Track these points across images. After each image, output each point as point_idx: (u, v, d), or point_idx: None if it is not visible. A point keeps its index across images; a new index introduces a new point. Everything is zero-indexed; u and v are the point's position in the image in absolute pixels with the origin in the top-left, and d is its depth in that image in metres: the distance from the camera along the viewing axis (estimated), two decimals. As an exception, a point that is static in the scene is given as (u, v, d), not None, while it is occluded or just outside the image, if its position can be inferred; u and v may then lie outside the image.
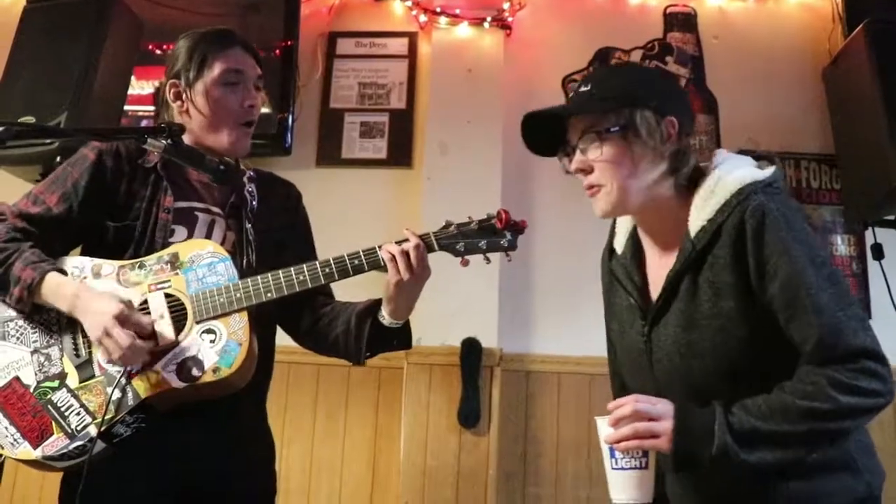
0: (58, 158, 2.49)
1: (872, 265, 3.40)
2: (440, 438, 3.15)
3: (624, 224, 1.70)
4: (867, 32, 3.02)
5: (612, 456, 1.41)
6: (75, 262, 1.79)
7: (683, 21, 3.84)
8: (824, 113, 3.49)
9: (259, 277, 1.74)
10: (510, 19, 3.69)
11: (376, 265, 1.75)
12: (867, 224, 3.24)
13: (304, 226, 2.12)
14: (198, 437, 1.77)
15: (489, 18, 3.65)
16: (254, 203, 1.94)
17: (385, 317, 1.82)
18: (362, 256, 1.74)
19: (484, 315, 3.28)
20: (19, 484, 3.31)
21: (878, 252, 3.15)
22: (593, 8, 3.85)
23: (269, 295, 1.72)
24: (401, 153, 3.66)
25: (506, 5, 3.69)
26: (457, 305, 3.27)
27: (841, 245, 3.53)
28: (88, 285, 1.72)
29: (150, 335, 1.68)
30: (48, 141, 2.47)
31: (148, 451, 1.71)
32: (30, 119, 2.46)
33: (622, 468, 1.39)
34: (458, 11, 3.67)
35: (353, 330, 1.85)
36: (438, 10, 3.69)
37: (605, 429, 1.41)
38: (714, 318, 1.44)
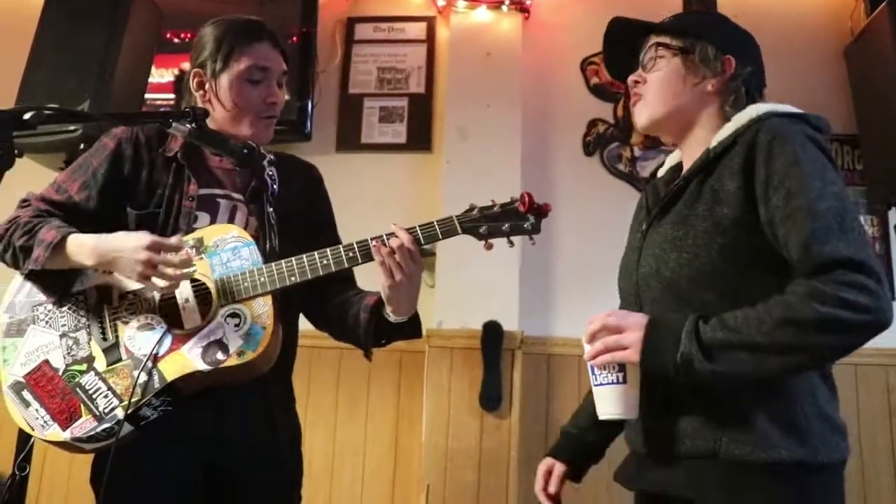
0: (81, 146, 2.51)
1: (896, 245, 3.39)
2: (462, 421, 3.17)
3: (672, 158, 1.76)
4: (890, 10, 2.99)
5: (593, 373, 1.43)
6: None
7: (703, 2, 3.80)
8: (846, 92, 3.46)
9: (283, 262, 1.74)
10: (528, 2, 3.68)
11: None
12: (890, 204, 3.22)
13: (326, 207, 2.11)
14: (225, 420, 1.77)
15: (507, 2, 3.65)
16: (274, 187, 1.93)
17: (391, 315, 1.80)
18: (386, 239, 1.72)
19: (505, 298, 3.29)
20: (48, 466, 3.36)
21: (902, 232, 3.13)
22: (612, -11, 3.83)
23: (293, 279, 1.73)
24: (420, 138, 3.67)
25: (524, -12, 3.68)
26: (478, 288, 3.29)
27: (864, 226, 3.50)
28: (106, 236, 1.69)
29: (179, 249, 1.67)
30: (72, 128, 2.49)
31: (176, 434, 1.72)
32: (55, 106, 2.47)
33: (601, 384, 1.42)
34: (476, -6, 3.67)
35: (362, 325, 1.85)
36: (456, -7, 3.68)
37: (585, 347, 1.45)
38: (704, 220, 1.44)
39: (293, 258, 1.75)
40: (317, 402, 3.37)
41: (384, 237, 1.71)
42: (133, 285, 1.76)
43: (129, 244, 1.65)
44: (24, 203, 1.84)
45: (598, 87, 3.73)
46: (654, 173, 1.82)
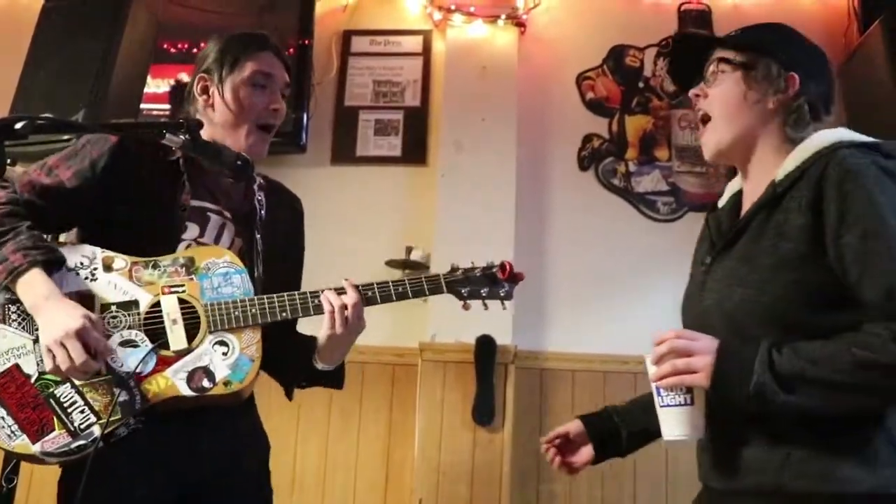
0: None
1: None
2: (454, 436, 3.16)
3: (731, 185, 1.72)
4: (884, 28, 3.00)
5: (658, 394, 1.42)
6: (85, 251, 1.73)
7: (698, 18, 3.83)
8: (840, 109, 3.47)
9: (275, 296, 1.75)
10: (524, 17, 3.70)
11: (374, 301, 1.79)
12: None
13: (302, 244, 2.10)
14: (197, 440, 1.75)
15: (503, 16, 3.66)
16: (262, 213, 1.93)
17: (318, 363, 1.83)
18: (376, 288, 1.78)
19: (498, 312, 3.25)
20: (36, 479, 3.33)
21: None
22: (607, 5, 3.85)
23: (283, 315, 1.74)
24: (415, 151, 3.67)
25: (520, 3, 3.69)
26: (471, 302, 3.27)
27: None
28: (63, 297, 1.62)
29: (102, 355, 1.59)
30: (66, 138, 2.47)
31: (147, 453, 1.67)
32: (48, 116, 2.46)
33: (668, 405, 1.40)
34: (472, 9, 3.68)
35: (288, 368, 1.90)
36: (453, 7, 3.69)
37: (650, 367, 1.42)
38: (769, 256, 1.42)
39: (285, 294, 1.75)
40: (309, 416, 3.35)
41: (360, 288, 1.77)
42: (117, 298, 1.71)
43: (65, 316, 1.57)
44: (5, 183, 1.73)
45: (594, 102, 3.74)
46: (714, 204, 1.76)
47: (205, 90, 1.89)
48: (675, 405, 1.40)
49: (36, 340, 1.64)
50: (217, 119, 1.87)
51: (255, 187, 1.96)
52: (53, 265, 1.66)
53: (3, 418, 1.61)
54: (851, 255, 1.33)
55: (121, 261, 1.73)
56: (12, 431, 1.60)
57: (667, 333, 1.40)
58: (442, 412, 3.19)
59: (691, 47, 1.69)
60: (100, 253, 1.73)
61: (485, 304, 1.86)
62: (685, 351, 1.37)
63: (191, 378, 1.66)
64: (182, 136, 1.65)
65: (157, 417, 1.67)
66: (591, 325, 3.42)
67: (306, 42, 3.60)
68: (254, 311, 1.72)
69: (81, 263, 1.72)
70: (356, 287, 1.77)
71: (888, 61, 2.94)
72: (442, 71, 3.71)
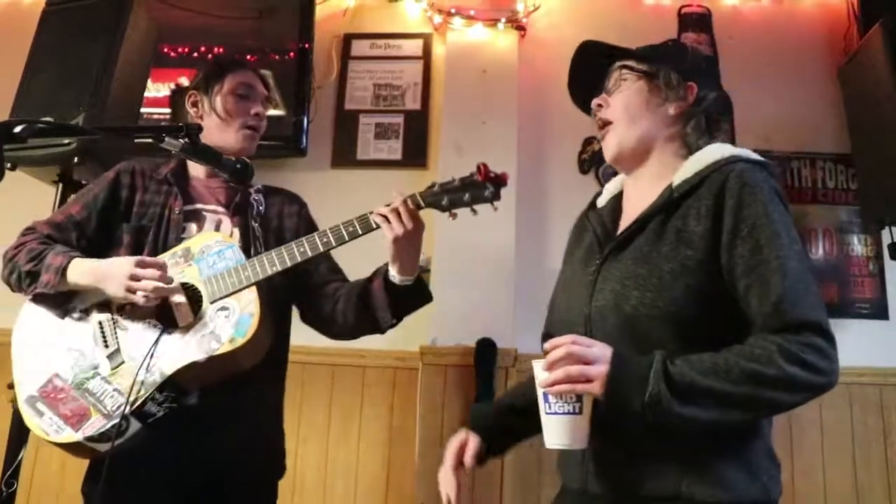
0: (75, 159, 2.51)
1: (889, 265, 3.40)
2: (455, 439, 3.14)
3: (609, 187, 1.76)
4: (883, 31, 3.00)
5: (546, 400, 1.36)
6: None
7: (698, 21, 3.83)
8: (840, 112, 3.47)
9: (263, 255, 1.91)
10: (524, 20, 3.70)
11: (368, 228, 1.88)
12: (884, 224, 3.22)
13: (309, 225, 2.22)
14: (211, 440, 1.90)
15: (503, 19, 3.67)
16: (260, 208, 2.12)
17: (395, 276, 1.92)
18: (355, 222, 1.88)
19: (499, 315, 3.29)
20: (36, 483, 3.33)
21: (896, 251, 3.13)
22: (607, 8, 3.85)
23: (273, 268, 1.88)
24: (416, 154, 3.67)
25: (520, 6, 3.70)
26: (472, 305, 3.28)
27: (857, 245, 3.51)
28: (104, 260, 1.91)
29: (164, 269, 1.87)
30: (66, 142, 2.48)
31: (163, 455, 1.86)
32: (47, 120, 2.46)
33: (555, 413, 1.35)
34: (472, 13, 3.69)
35: (374, 296, 1.97)
36: (453, 11, 3.70)
37: (540, 373, 1.37)
38: (669, 261, 1.43)
39: (272, 251, 1.91)
40: (309, 419, 3.34)
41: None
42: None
43: (118, 263, 1.87)
44: (29, 230, 2.04)
45: (594, 105, 3.73)
46: (593, 203, 1.79)
47: (195, 104, 2.15)
48: (563, 413, 1.34)
49: (68, 349, 1.92)
50: (207, 123, 2.10)
51: (253, 190, 2.15)
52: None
53: (50, 418, 1.84)
54: (742, 266, 1.38)
55: None
56: (59, 427, 1.83)
57: (562, 339, 1.36)
58: (443, 416, 3.18)
59: (591, 58, 1.70)
60: None
61: (473, 210, 1.87)
62: (581, 358, 1.33)
63: (200, 344, 1.83)
64: (181, 140, 1.72)
65: (186, 401, 1.86)
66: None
67: (306, 46, 3.61)
68: (246, 274, 1.88)
69: None
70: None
71: (888, 63, 2.94)
72: (442, 74, 3.71)
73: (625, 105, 1.60)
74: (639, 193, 1.62)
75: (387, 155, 3.68)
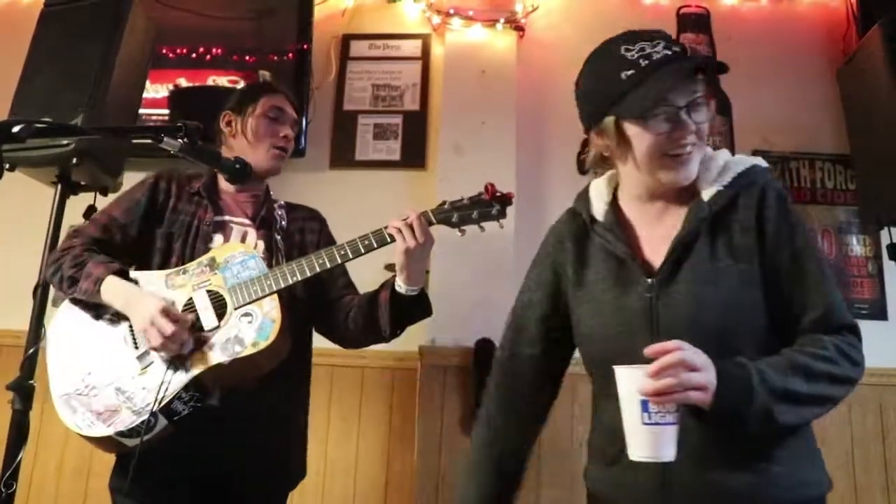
0: (74, 160, 2.51)
1: (888, 266, 3.39)
2: (455, 440, 3.15)
3: (599, 191, 1.68)
4: (882, 32, 3.00)
5: (645, 410, 1.27)
6: (133, 274, 2.10)
7: (696, 21, 3.84)
8: (839, 113, 3.47)
9: (284, 265, 2.04)
10: (523, 21, 3.70)
11: (383, 241, 2.01)
12: (882, 224, 3.22)
13: (329, 240, 2.34)
14: (227, 436, 2.01)
15: (502, 20, 3.66)
16: (283, 223, 2.28)
17: (402, 286, 2.04)
18: (370, 236, 2.02)
19: (498, 315, 3.23)
20: (35, 484, 3.33)
21: (895, 252, 3.13)
22: (606, 9, 3.85)
23: (294, 278, 2.01)
24: (414, 155, 3.68)
25: (518, 7, 3.70)
26: (470, 306, 3.27)
27: (856, 245, 3.51)
28: (138, 288, 2.05)
29: (190, 328, 1.97)
30: (65, 142, 2.47)
31: (181, 450, 1.98)
32: (46, 120, 2.46)
33: (655, 423, 1.26)
34: (471, 13, 3.68)
35: (380, 305, 2.10)
36: (451, 11, 3.70)
37: (638, 379, 1.28)
38: (731, 277, 1.45)
39: (293, 262, 2.04)
40: (309, 420, 3.33)
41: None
42: None
43: (146, 302, 1.97)
44: (75, 234, 2.17)
45: (593, 106, 3.73)
46: (588, 215, 1.68)
47: (228, 123, 2.30)
48: (664, 423, 1.27)
49: (100, 350, 2.05)
50: (239, 146, 2.26)
51: (276, 206, 2.32)
52: (126, 273, 2.07)
53: (83, 414, 1.98)
54: (785, 272, 1.45)
55: (159, 275, 2.11)
56: (91, 422, 1.96)
57: (670, 344, 1.29)
58: (442, 416, 3.18)
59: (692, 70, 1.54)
60: (142, 275, 2.11)
61: (480, 227, 2.05)
62: (691, 365, 1.28)
63: (224, 348, 1.96)
64: (180, 140, 1.73)
65: (208, 402, 1.99)
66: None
67: (305, 46, 3.61)
68: (268, 282, 2.01)
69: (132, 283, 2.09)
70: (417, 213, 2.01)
71: (887, 64, 2.93)
72: (441, 75, 3.71)
73: (702, 136, 1.52)
74: (655, 207, 1.60)
75: (385, 155, 3.68)
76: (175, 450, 1.97)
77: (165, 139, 1.74)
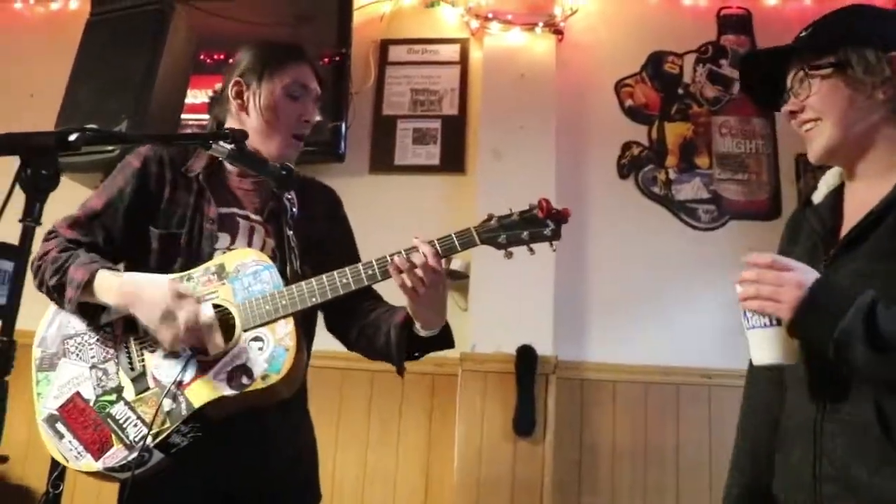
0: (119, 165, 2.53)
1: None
2: (495, 447, 3.13)
3: (827, 180, 1.60)
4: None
5: (745, 316, 1.37)
6: (127, 277, 1.80)
7: (738, 22, 3.79)
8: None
9: (303, 283, 1.74)
10: (562, 24, 3.67)
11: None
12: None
13: (346, 231, 2.11)
14: (240, 449, 1.79)
15: (541, 24, 3.64)
16: (294, 210, 1.93)
17: (420, 330, 1.78)
18: (403, 252, 1.70)
19: (539, 322, 3.25)
20: (79, 485, 3.36)
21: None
22: (645, 11, 3.81)
23: (313, 300, 1.73)
24: (454, 159, 3.66)
25: (557, 10, 3.67)
26: (511, 312, 3.26)
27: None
28: (138, 276, 1.75)
29: (201, 301, 1.72)
30: (110, 148, 2.51)
31: (193, 465, 1.74)
32: (92, 127, 2.49)
33: (753, 327, 1.35)
34: (509, 17, 3.66)
35: (393, 343, 1.82)
36: (490, 15, 3.69)
37: (738, 287, 1.37)
38: None
39: (313, 279, 1.74)
40: (348, 425, 3.34)
41: (404, 253, 1.68)
42: None
43: (151, 290, 1.69)
44: (51, 234, 1.85)
45: (633, 109, 3.71)
46: (808, 199, 1.65)
47: (239, 95, 1.91)
48: (760, 326, 1.34)
49: (91, 367, 1.77)
50: (250, 125, 1.89)
51: None
52: (113, 271, 1.76)
53: (70, 441, 1.71)
54: None
55: None
56: (78, 452, 1.70)
57: (763, 258, 1.33)
58: (482, 423, 3.16)
59: (761, 65, 1.57)
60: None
61: (530, 249, 1.71)
62: (776, 280, 1.30)
63: (231, 378, 1.68)
64: (228, 146, 1.69)
65: (211, 426, 1.71)
66: (633, 335, 3.38)
67: (344, 52, 3.61)
68: (283, 302, 1.72)
69: None
70: (429, 243, 1.70)
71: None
72: (479, 79, 3.69)
73: (826, 105, 1.44)
74: (861, 188, 1.48)
75: (425, 160, 3.67)
76: (180, 473, 1.74)
77: (214, 145, 1.72)
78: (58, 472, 2.19)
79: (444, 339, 1.82)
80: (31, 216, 1.23)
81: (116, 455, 1.67)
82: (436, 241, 1.70)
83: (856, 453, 1.33)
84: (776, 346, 1.34)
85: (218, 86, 1.99)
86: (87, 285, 1.71)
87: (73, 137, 1.28)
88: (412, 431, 3.35)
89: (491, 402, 3.17)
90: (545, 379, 3.18)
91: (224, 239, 1.85)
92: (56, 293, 1.77)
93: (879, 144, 1.45)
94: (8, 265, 2.24)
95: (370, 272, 1.72)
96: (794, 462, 1.45)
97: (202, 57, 3.69)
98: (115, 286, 1.71)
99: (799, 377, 1.46)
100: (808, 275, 1.30)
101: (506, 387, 3.17)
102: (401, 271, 1.66)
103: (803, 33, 1.51)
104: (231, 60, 2.00)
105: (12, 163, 1.23)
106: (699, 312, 3.32)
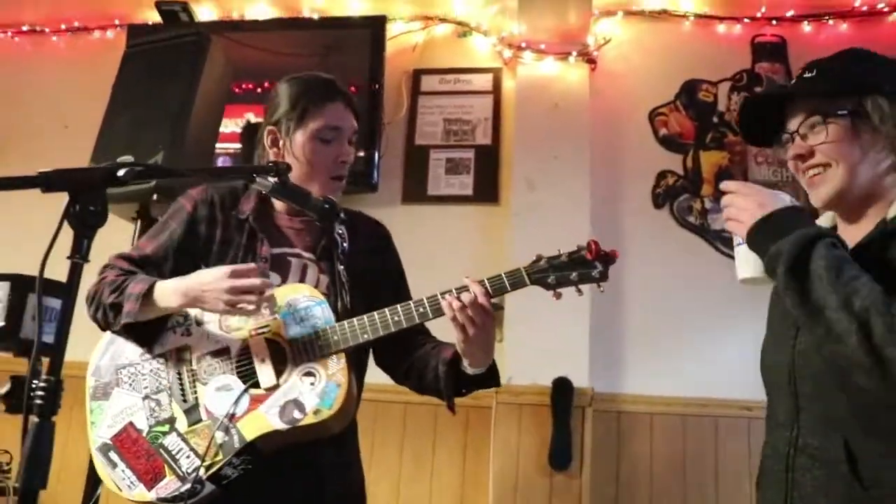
0: (154, 196, 2.54)
1: None
2: (530, 481, 3.07)
3: (822, 223, 1.59)
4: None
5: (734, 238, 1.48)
6: (181, 311, 1.84)
7: (772, 50, 3.75)
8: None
9: (355, 319, 1.76)
10: (595, 53, 3.67)
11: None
12: None
13: (396, 265, 2.12)
14: (296, 483, 1.80)
15: (574, 53, 3.62)
16: (344, 245, 1.95)
17: (467, 368, 1.79)
18: (454, 291, 1.72)
19: (575, 354, 3.21)
20: None
21: None
22: (679, 40, 3.79)
23: (365, 336, 1.75)
24: (487, 189, 3.64)
25: (590, 39, 3.66)
26: (547, 344, 3.21)
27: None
28: (191, 276, 1.76)
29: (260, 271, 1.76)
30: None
31: (248, 495, 1.74)
32: (128, 158, 2.50)
33: (739, 244, 1.43)
34: (542, 46, 3.66)
35: (442, 379, 1.84)
36: (523, 45, 3.68)
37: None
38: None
39: (364, 315, 1.76)
40: (381, 458, 3.29)
41: (455, 291, 1.70)
42: (210, 348, 1.80)
43: (211, 276, 1.70)
44: (107, 267, 1.89)
45: (667, 138, 3.67)
46: None
47: (275, 143, 1.94)
48: (738, 245, 1.44)
49: (144, 397, 1.79)
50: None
51: (337, 223, 1.98)
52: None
53: (123, 471, 1.74)
54: None
55: (210, 314, 1.82)
56: (132, 482, 1.72)
57: (732, 184, 1.43)
58: (517, 456, 3.11)
59: (760, 106, 1.58)
60: (192, 311, 1.83)
61: (578, 290, 1.73)
62: (741, 204, 1.38)
63: (282, 412, 1.70)
64: (272, 180, 1.69)
65: (262, 458, 1.73)
66: (670, 367, 3.32)
67: (376, 82, 3.61)
68: (335, 337, 1.75)
69: (178, 322, 1.84)
70: (479, 282, 1.71)
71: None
72: (512, 109, 3.69)
73: (837, 151, 1.42)
74: (857, 227, 1.47)
75: (458, 190, 3.66)
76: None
77: (258, 179, 1.72)
78: (92, 501, 2.18)
79: (491, 377, 1.84)
80: (80, 253, 1.21)
81: (169, 486, 1.69)
82: (486, 281, 1.71)
83: (823, 490, 1.35)
84: (749, 262, 1.42)
85: (250, 115, 2.01)
86: (147, 295, 1.72)
87: (121, 173, 1.26)
88: (446, 465, 3.29)
89: (526, 436, 3.12)
90: (581, 411, 3.13)
91: (274, 278, 1.86)
92: (113, 311, 1.76)
93: (882, 192, 1.44)
94: (56, 303, 2.23)
95: (421, 310, 1.75)
96: (770, 496, 1.48)
97: (233, 87, 3.72)
98: (176, 288, 1.72)
99: (776, 411, 1.50)
100: (774, 199, 1.37)
101: (541, 420, 3.12)
102: (452, 310, 1.68)
103: (807, 74, 1.51)
104: (268, 101, 2.02)
105: (52, 199, 1.22)
106: (737, 343, 3.25)
